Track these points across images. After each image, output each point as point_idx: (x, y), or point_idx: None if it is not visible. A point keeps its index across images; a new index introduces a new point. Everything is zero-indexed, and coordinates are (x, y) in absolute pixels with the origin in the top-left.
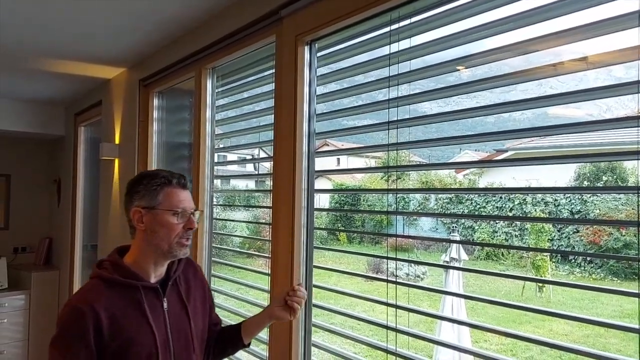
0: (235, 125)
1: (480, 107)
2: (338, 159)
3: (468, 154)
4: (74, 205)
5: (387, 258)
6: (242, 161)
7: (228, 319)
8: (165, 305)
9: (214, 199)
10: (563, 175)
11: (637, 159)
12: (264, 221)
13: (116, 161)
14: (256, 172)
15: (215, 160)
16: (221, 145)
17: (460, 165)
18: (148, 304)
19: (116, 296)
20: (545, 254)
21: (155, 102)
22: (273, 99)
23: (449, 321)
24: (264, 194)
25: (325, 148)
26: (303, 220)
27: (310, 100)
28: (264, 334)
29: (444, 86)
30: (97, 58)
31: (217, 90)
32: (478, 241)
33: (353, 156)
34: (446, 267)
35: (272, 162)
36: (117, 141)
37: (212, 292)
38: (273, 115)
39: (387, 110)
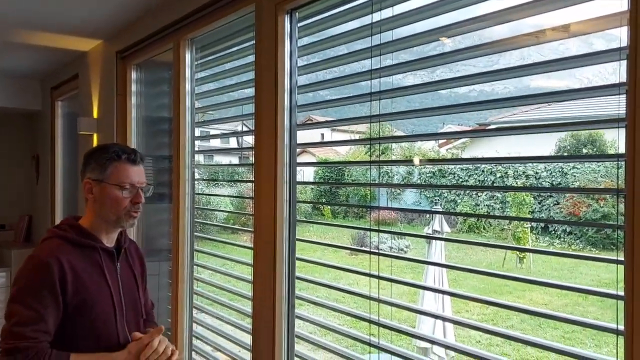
0: (216, 99)
1: (463, 76)
2: (322, 135)
3: (451, 128)
4: (53, 182)
5: (370, 230)
6: (223, 135)
7: (213, 294)
8: (118, 269)
9: (196, 174)
10: (544, 148)
11: (618, 127)
12: (248, 196)
13: (95, 136)
14: (239, 147)
15: (196, 134)
16: (202, 119)
17: (444, 136)
18: (106, 265)
19: (78, 255)
20: (525, 225)
21: (133, 75)
22: (254, 71)
23: (429, 290)
24: (248, 169)
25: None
26: (285, 194)
27: (291, 72)
28: (248, 307)
29: (427, 56)
30: (73, 29)
31: (196, 63)
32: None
33: (336, 132)
34: (428, 238)
35: (253, 136)
36: (95, 115)
37: (195, 266)
38: (254, 87)
39: (369, 81)
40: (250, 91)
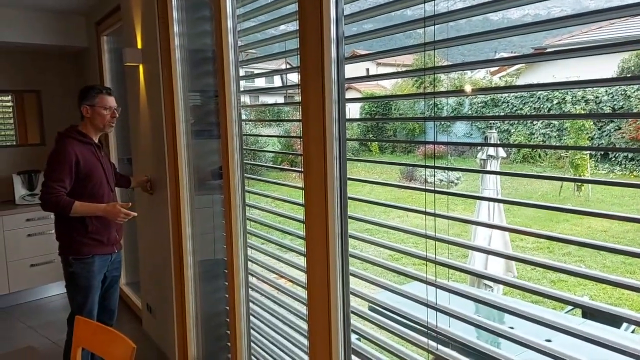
0: (258, 36)
1: None
2: (367, 69)
3: (503, 56)
4: None
5: (425, 167)
6: (269, 73)
7: (265, 232)
8: (102, 154)
9: (243, 115)
10: (605, 71)
11: None
12: (295, 134)
13: (140, 67)
14: (283, 85)
15: (241, 74)
16: (246, 58)
17: (501, 62)
18: (97, 152)
19: (82, 147)
20: (584, 153)
21: (174, 1)
22: (297, 3)
23: (486, 226)
24: (295, 108)
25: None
26: (335, 132)
27: (337, 0)
28: (301, 247)
29: None
30: None
31: None
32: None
33: (381, 67)
34: (482, 172)
35: (297, 73)
36: (139, 46)
37: (246, 206)
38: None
39: (423, 5)
40: (294, 25)
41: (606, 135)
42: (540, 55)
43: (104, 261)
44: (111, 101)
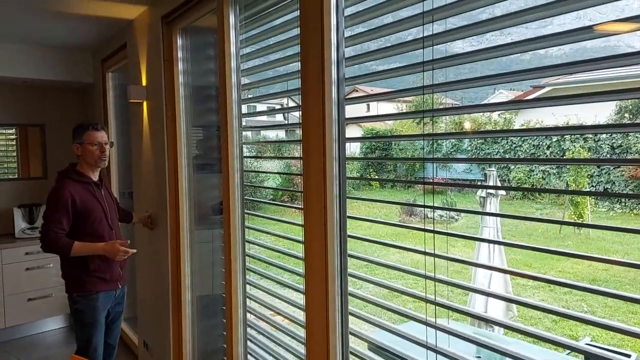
0: (261, 75)
1: (517, 42)
2: (368, 105)
3: (503, 93)
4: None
5: (424, 207)
6: (270, 111)
7: (264, 269)
8: (102, 192)
9: (245, 151)
10: (604, 109)
11: None
12: (295, 169)
13: (145, 104)
14: (285, 122)
15: (244, 111)
16: (249, 96)
17: (499, 107)
18: (95, 191)
19: (79, 187)
20: (584, 189)
21: (179, 41)
22: (299, 45)
23: (487, 269)
24: (295, 144)
25: (355, 94)
26: (335, 170)
27: (338, 43)
28: (300, 284)
29: (480, 20)
30: None
31: (240, 23)
32: (514, 181)
33: (382, 102)
34: (482, 214)
35: (300, 112)
36: (144, 83)
37: (246, 242)
38: (299, 61)
39: (421, 50)
40: (295, 65)
41: (605, 173)
42: (536, 102)
43: (108, 297)
44: (99, 136)
